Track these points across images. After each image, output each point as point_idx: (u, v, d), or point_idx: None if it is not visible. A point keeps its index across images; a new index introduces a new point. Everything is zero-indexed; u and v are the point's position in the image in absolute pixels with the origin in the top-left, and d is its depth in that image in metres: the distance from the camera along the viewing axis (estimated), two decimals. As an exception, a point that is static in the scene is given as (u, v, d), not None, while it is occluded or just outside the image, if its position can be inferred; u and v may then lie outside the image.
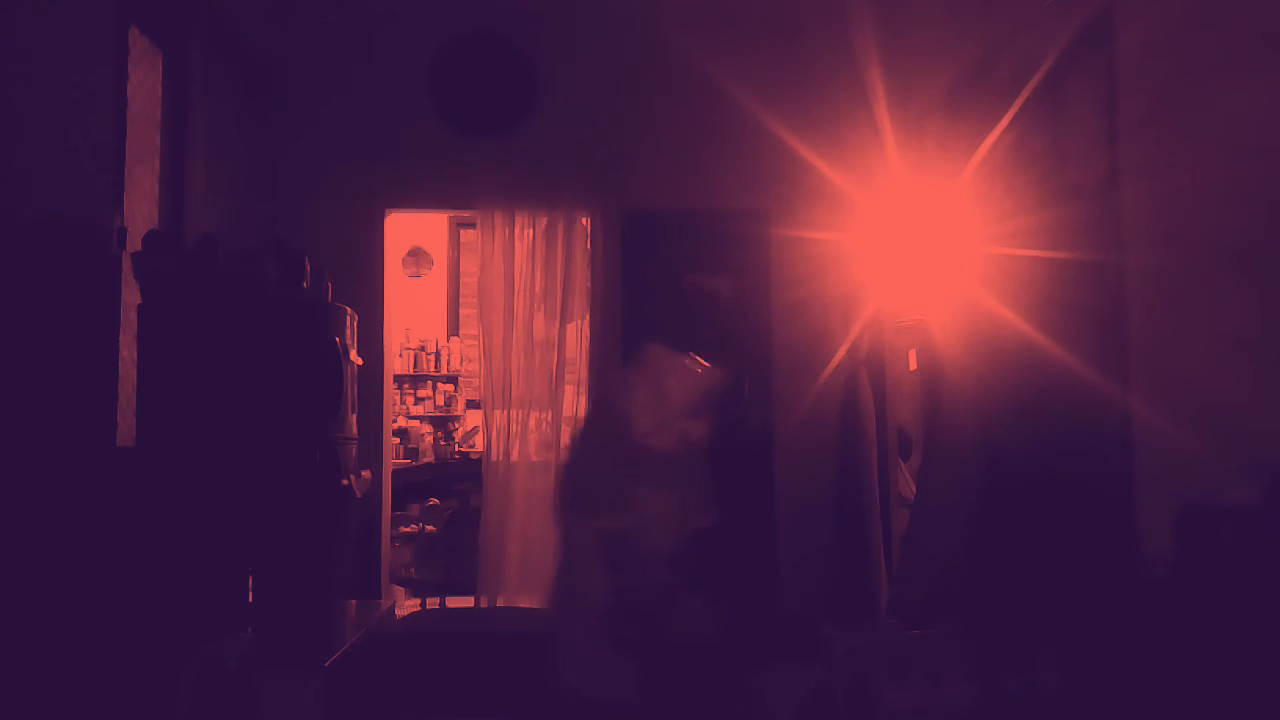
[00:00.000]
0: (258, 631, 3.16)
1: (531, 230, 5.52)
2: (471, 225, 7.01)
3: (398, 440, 7.34)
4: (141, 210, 3.88)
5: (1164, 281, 2.86)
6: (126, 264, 3.46)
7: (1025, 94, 3.62)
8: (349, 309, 4.12)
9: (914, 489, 4.51)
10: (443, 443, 7.74)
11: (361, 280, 5.02)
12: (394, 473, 5.78)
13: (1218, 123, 2.61)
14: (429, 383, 8.17)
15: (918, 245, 4.70)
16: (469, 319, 8.31)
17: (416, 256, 8.30)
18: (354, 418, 4.09)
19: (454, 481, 6.86)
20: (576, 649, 2.44)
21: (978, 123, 3.96)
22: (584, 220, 5.55)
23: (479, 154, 5.27)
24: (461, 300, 8.46)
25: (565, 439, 5.24)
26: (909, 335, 4.86)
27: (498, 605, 5.19)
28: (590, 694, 2.35)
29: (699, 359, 2.72)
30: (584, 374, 5.38)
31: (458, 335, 8.35)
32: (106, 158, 3.45)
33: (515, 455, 5.27)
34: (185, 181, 4.19)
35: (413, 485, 6.70)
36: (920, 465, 4.42)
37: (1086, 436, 3.24)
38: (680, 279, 5.45)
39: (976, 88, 4.08)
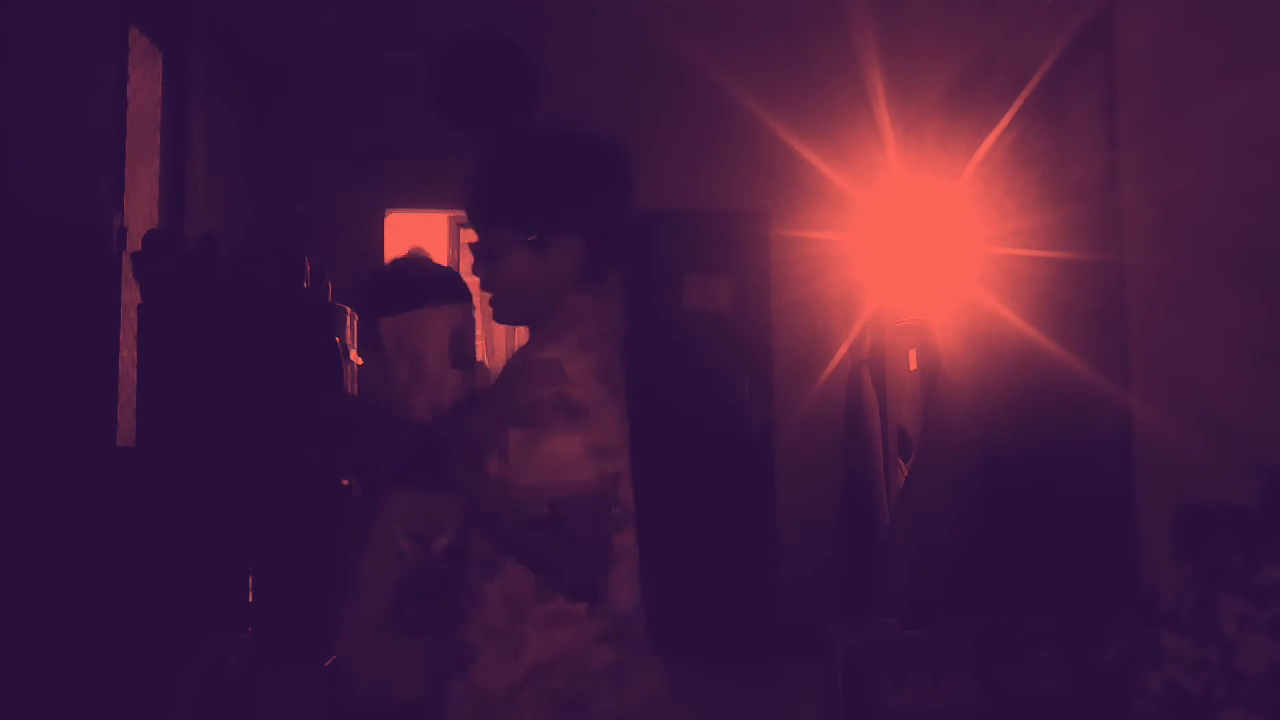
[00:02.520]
0: (258, 631, 3.17)
1: (531, 230, 5.50)
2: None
3: (398, 440, 7.34)
4: (141, 210, 3.88)
5: (1164, 281, 2.86)
6: (126, 264, 3.46)
7: (1025, 94, 3.62)
8: (349, 309, 4.12)
9: (914, 489, 4.50)
10: (443, 443, 7.74)
11: (362, 280, 5.01)
12: (394, 473, 5.77)
13: (1218, 123, 2.61)
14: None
15: (918, 245, 4.70)
16: (469, 319, 8.31)
17: (416, 256, 8.30)
18: (354, 417, 4.08)
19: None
20: (359, 640, 2.15)
21: (978, 123, 3.97)
22: (584, 220, 5.54)
23: (480, 154, 5.26)
24: (461, 300, 8.46)
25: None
26: (909, 335, 4.86)
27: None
28: (371, 690, 2.16)
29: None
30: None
31: (458, 335, 8.35)
32: (106, 158, 3.45)
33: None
34: (185, 181, 4.19)
35: (413, 485, 6.69)
36: (913, 464, 4.42)
37: (1086, 436, 3.24)
38: (680, 279, 5.45)
39: (976, 88, 4.08)
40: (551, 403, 1.48)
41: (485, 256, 1.66)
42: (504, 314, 1.71)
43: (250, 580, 3.30)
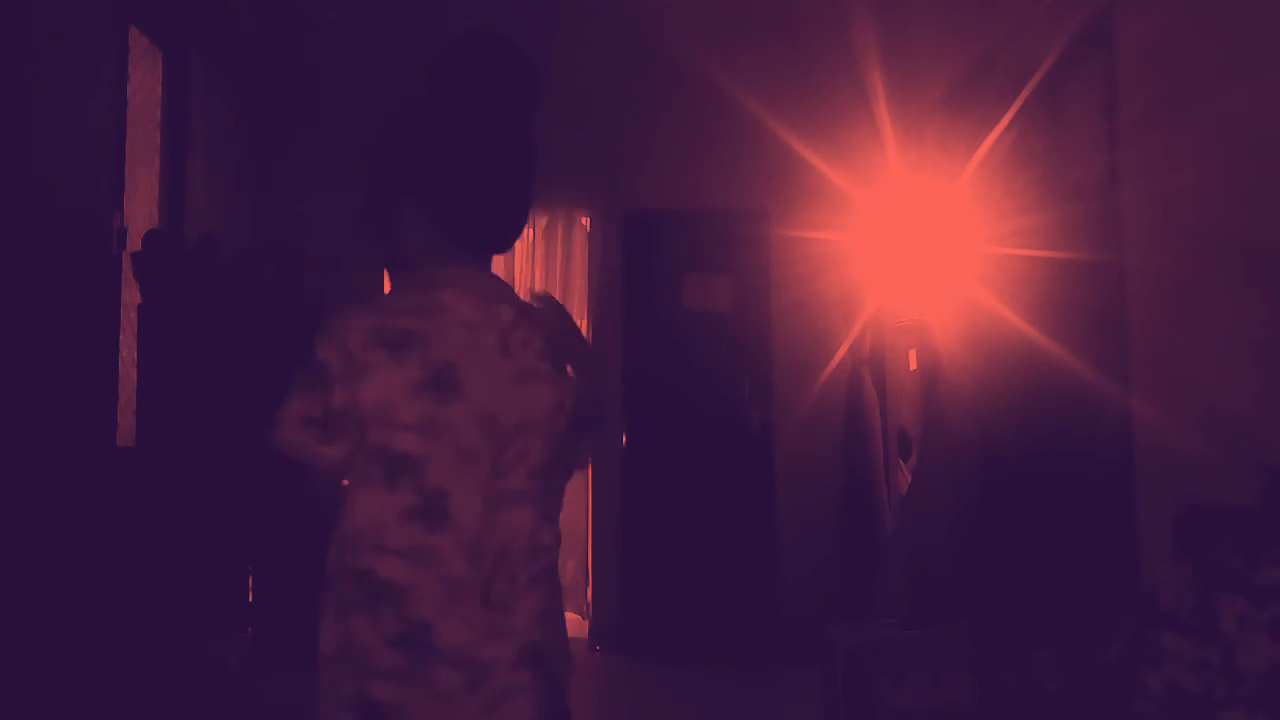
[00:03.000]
0: (258, 631, 3.17)
1: (531, 230, 5.52)
2: (471, 225, 7.02)
3: (398, 440, 7.33)
4: (141, 210, 3.88)
5: (1164, 281, 2.86)
6: (126, 264, 3.46)
7: (1025, 94, 3.62)
8: (349, 309, 4.11)
9: (914, 489, 4.49)
10: (443, 443, 7.74)
11: (362, 280, 5.01)
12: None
13: (1218, 123, 2.61)
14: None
15: (918, 245, 4.70)
16: (469, 319, 8.30)
17: (416, 256, 8.30)
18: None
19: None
20: None
21: (978, 123, 3.97)
22: (584, 220, 5.55)
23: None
24: (461, 300, 8.46)
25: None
26: (909, 335, 4.86)
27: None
28: None
29: None
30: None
31: (458, 335, 8.35)
32: (106, 158, 3.44)
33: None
34: (185, 181, 4.19)
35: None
36: (915, 464, 4.42)
37: (1086, 436, 3.24)
38: (680, 279, 5.46)
39: (976, 88, 4.08)
40: (299, 362, 1.47)
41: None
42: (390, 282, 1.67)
43: (250, 580, 3.30)
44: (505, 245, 1.67)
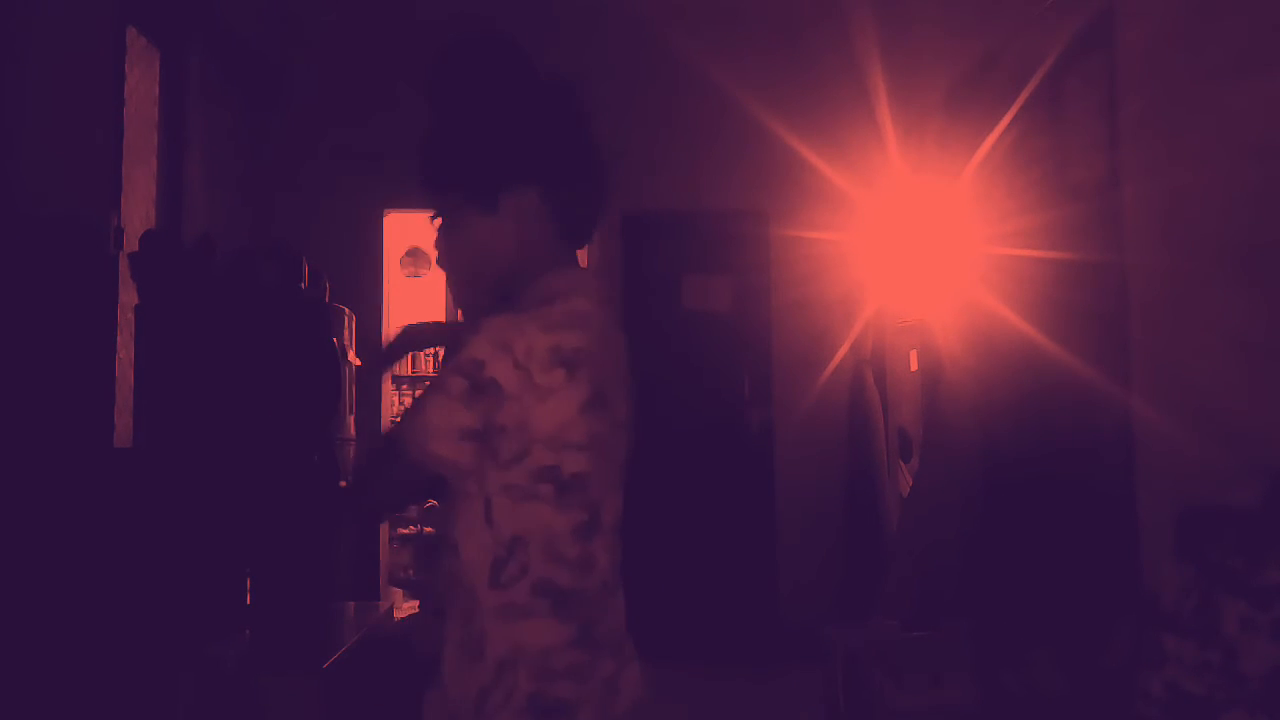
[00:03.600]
0: (256, 633, 3.16)
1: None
2: (471, 225, 6.99)
3: (397, 441, 7.32)
4: (139, 210, 3.87)
5: (1164, 281, 2.86)
6: (124, 264, 3.45)
7: (1025, 94, 3.62)
8: (347, 309, 4.11)
9: (914, 489, 4.49)
10: (442, 443, 7.72)
11: (360, 280, 5.01)
12: (393, 473, 5.76)
13: (1218, 123, 2.60)
14: (428, 384, 8.15)
15: (918, 245, 4.69)
16: (468, 319, 8.28)
17: (415, 256, 8.28)
18: (352, 418, 4.09)
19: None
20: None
21: (978, 123, 3.96)
22: (583, 220, 5.54)
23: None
24: (461, 301, 8.44)
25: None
26: (910, 335, 4.86)
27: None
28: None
29: None
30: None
31: (457, 336, 8.32)
32: (104, 158, 3.44)
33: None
34: (183, 181, 4.18)
35: (412, 486, 6.67)
36: (917, 465, 4.42)
37: (1087, 436, 3.23)
38: (680, 280, 5.45)
39: (976, 88, 4.08)
40: (456, 369, 1.40)
41: (440, 230, 1.56)
42: (465, 293, 1.57)
43: (248, 582, 3.29)
44: (590, 239, 1.67)
